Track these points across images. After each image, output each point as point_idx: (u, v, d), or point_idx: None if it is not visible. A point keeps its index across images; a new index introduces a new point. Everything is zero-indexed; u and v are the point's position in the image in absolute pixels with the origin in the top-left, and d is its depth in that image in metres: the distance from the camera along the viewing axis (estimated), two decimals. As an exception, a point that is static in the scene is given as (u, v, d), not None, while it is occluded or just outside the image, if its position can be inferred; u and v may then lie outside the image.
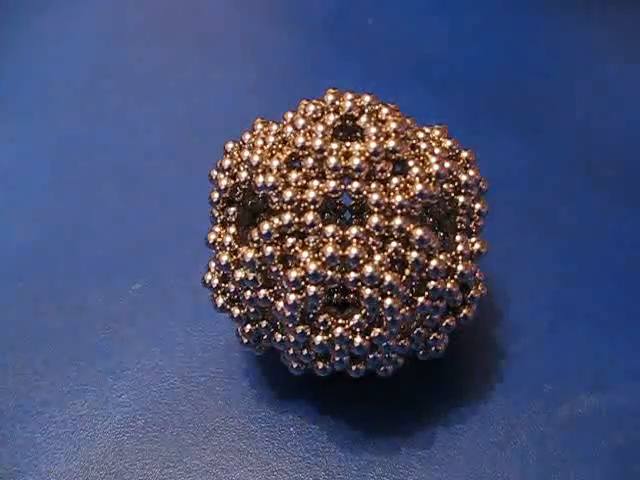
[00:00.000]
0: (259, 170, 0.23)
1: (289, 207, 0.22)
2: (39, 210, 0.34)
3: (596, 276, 0.29)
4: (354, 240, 0.21)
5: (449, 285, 0.23)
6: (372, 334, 0.22)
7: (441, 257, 0.22)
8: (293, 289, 0.22)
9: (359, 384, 0.26)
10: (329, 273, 0.21)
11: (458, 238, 0.23)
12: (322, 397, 0.26)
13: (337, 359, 0.23)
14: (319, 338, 0.22)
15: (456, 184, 0.23)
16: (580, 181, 0.34)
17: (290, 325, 0.22)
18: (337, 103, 0.23)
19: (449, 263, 0.23)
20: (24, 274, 0.31)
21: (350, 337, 0.22)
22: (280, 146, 0.23)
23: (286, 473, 0.24)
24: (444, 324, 0.24)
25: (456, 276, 0.23)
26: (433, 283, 0.22)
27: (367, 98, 0.23)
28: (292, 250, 0.22)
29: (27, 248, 0.32)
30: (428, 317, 0.23)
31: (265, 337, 0.24)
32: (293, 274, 0.21)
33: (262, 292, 0.23)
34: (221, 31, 0.45)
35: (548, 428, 0.25)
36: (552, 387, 0.26)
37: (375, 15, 0.44)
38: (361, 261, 0.21)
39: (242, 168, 0.24)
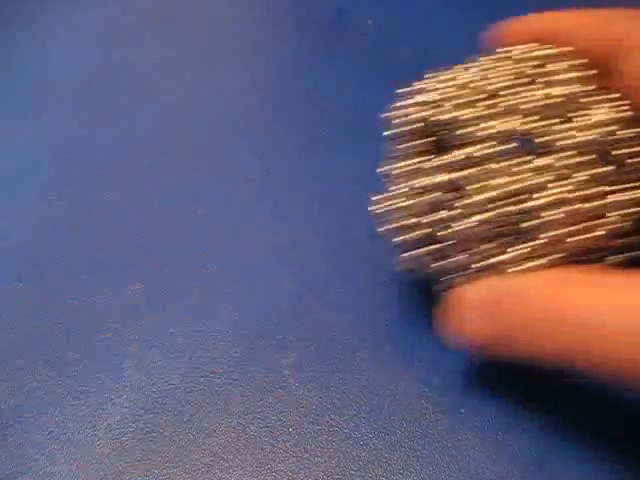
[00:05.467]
0: (447, 105, 0.24)
1: (474, 140, 0.23)
2: (39, 210, 0.34)
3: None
4: (534, 173, 0.23)
5: (624, 224, 0.23)
6: (540, 261, 0.23)
7: (620, 196, 0.23)
8: (470, 213, 0.23)
9: (358, 384, 0.26)
10: (506, 202, 0.22)
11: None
12: (321, 398, 0.26)
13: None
14: (491, 260, 0.23)
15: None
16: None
17: (469, 247, 0.23)
18: (525, 54, 0.25)
19: (628, 204, 0.23)
20: (24, 274, 0.31)
21: (521, 261, 0.23)
22: (471, 84, 0.25)
23: (285, 473, 0.24)
24: (609, 261, 0.24)
25: (633, 216, 0.23)
26: (606, 220, 0.23)
27: (553, 50, 0.25)
28: (472, 178, 0.23)
29: (27, 248, 0.33)
30: (596, 254, 0.23)
31: (430, 262, 0.25)
32: (471, 200, 0.23)
33: (441, 214, 0.24)
34: (221, 31, 0.45)
35: (547, 428, 0.25)
36: (551, 387, 0.26)
37: (375, 15, 0.44)
38: (539, 193, 0.22)
39: (430, 105, 0.25)
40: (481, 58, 0.26)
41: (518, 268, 0.23)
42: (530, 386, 0.26)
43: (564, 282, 0.22)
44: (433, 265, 0.25)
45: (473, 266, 0.24)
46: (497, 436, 0.25)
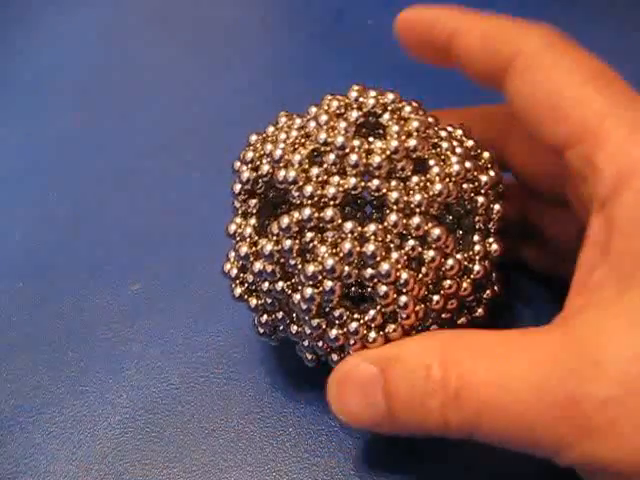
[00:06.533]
0: (281, 164, 0.23)
1: (309, 202, 0.22)
2: (39, 210, 0.34)
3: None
4: (372, 237, 0.22)
5: (464, 284, 0.23)
6: (386, 330, 0.22)
7: (457, 256, 0.23)
8: (310, 283, 0.22)
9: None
10: (346, 269, 0.22)
11: (476, 238, 0.24)
12: (321, 398, 0.26)
13: (351, 352, 0.23)
14: (334, 332, 0.22)
15: (476, 184, 0.23)
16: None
17: (306, 318, 0.22)
18: (360, 99, 0.23)
19: (465, 263, 0.23)
20: (24, 274, 0.31)
21: (365, 332, 0.22)
22: (302, 140, 0.23)
23: (285, 473, 0.24)
24: (458, 322, 0.24)
25: (472, 276, 0.23)
26: (449, 282, 0.22)
27: (390, 96, 0.23)
28: (311, 244, 0.22)
29: (27, 248, 0.33)
30: (443, 315, 0.23)
31: (281, 328, 0.24)
32: (311, 268, 0.22)
33: (280, 284, 0.23)
34: (221, 31, 0.45)
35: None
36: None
37: (375, 15, 0.44)
38: (378, 258, 0.21)
39: (264, 161, 0.24)
40: (325, 102, 0.24)
41: (366, 339, 0.22)
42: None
43: (444, 349, 0.20)
44: (278, 334, 0.25)
45: (305, 342, 0.23)
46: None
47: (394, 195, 0.22)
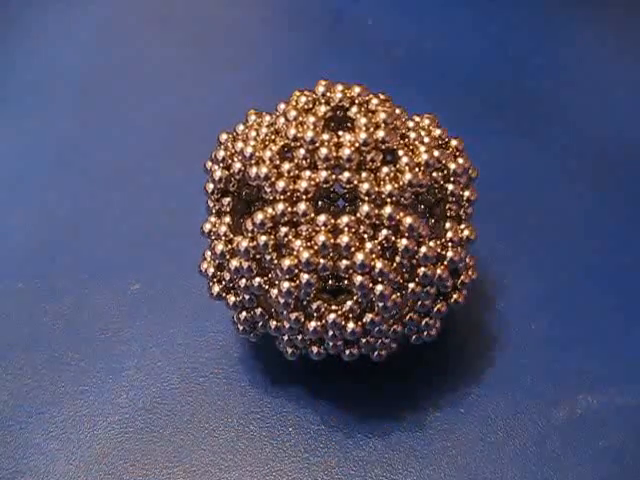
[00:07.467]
0: (252, 161, 0.23)
1: (282, 197, 0.22)
2: (39, 210, 0.34)
3: (593, 274, 0.29)
4: (345, 228, 0.22)
5: (439, 271, 0.23)
6: (364, 319, 0.22)
7: (431, 244, 0.23)
8: (287, 277, 0.22)
9: (359, 387, 0.26)
10: (321, 261, 0.22)
11: (448, 225, 0.24)
12: (321, 398, 0.26)
13: (331, 344, 0.23)
14: (313, 324, 0.23)
15: (445, 172, 0.24)
16: (577, 180, 0.34)
17: (284, 312, 0.23)
18: (328, 94, 0.24)
19: (439, 250, 0.23)
20: (24, 274, 0.31)
21: (343, 323, 0.22)
22: (273, 137, 0.24)
23: (285, 473, 0.24)
24: (435, 309, 0.24)
25: (446, 262, 0.23)
26: (423, 269, 0.23)
27: (357, 89, 0.24)
28: (285, 239, 0.22)
29: (27, 248, 0.33)
30: (419, 302, 0.23)
31: (260, 324, 0.25)
32: (287, 262, 0.22)
33: (257, 280, 0.23)
34: (221, 31, 0.45)
35: (547, 428, 0.25)
36: (551, 387, 0.26)
37: (375, 15, 0.44)
38: (352, 249, 0.22)
39: (236, 159, 0.24)
40: (294, 98, 0.24)
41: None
42: (529, 386, 0.26)
43: None
44: (258, 330, 0.25)
45: (285, 337, 0.24)
46: (497, 436, 0.25)
47: (365, 186, 0.22)
